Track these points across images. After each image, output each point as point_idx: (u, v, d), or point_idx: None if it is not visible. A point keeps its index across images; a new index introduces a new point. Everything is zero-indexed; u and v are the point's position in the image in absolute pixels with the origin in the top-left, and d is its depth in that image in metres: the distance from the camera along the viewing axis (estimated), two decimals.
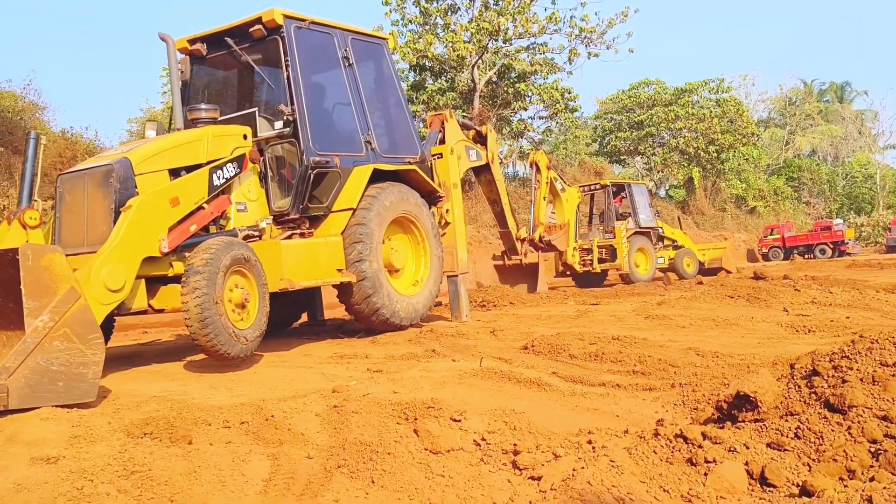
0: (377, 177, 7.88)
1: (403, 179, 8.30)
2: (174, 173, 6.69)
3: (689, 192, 48.77)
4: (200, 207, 6.80)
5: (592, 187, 21.34)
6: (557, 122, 37.74)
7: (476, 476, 3.24)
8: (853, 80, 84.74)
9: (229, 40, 7.64)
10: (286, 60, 7.44)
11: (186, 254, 6.44)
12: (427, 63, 28.21)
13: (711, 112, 44.68)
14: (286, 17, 7.51)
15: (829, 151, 69.08)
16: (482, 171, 11.19)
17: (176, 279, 6.34)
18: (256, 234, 7.17)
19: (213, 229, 7.01)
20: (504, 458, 3.36)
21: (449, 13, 27.78)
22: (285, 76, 7.46)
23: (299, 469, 3.54)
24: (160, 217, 6.32)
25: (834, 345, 5.64)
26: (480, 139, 10.83)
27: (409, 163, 8.51)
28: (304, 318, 9.92)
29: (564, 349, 5.97)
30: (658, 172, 50.83)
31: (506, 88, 29.72)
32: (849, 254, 39.25)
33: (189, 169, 6.80)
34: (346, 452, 3.62)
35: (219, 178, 6.97)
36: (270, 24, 7.45)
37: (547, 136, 38.35)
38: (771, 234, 43.18)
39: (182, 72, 7.88)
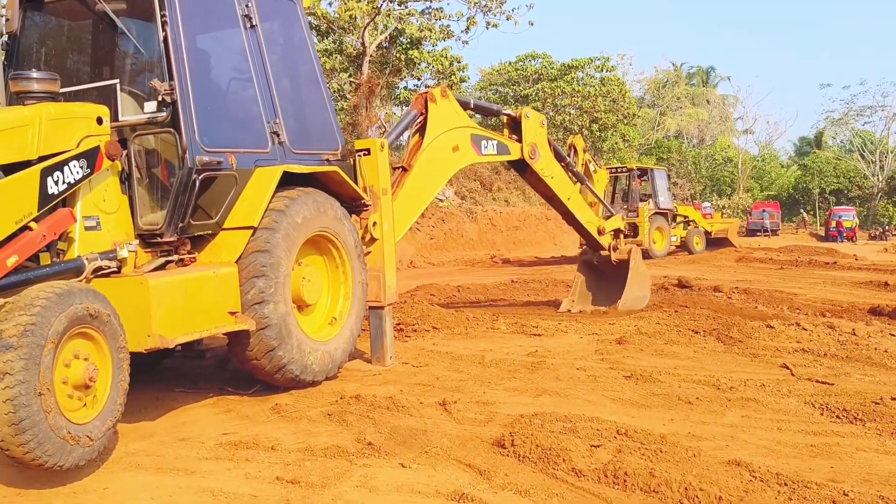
0: (285, 180, 5.85)
1: (319, 183, 6.30)
2: None
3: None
4: (25, 228, 4.57)
5: (619, 170, 24.27)
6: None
7: None
8: (718, 66, 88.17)
9: None
10: (163, 15, 5.23)
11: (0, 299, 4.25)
12: (313, 21, 25.58)
13: (596, 90, 44.30)
14: None
15: (695, 134, 71.48)
16: (522, 168, 8.96)
17: None
18: (114, 265, 4.99)
19: (45, 258, 4.78)
20: None
21: None
22: (161, 38, 5.24)
23: None
24: None
25: None
26: (514, 126, 8.75)
27: (328, 161, 6.50)
28: None
29: (561, 455, 4.27)
30: None
31: (398, 55, 27.57)
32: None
33: (8, 169, 4.54)
34: None
35: (57, 182, 4.74)
36: None
37: None
38: None
39: (7, 20, 5.48)
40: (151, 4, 5.28)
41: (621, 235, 10.47)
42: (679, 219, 25.59)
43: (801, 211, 58.89)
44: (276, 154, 5.97)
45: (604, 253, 10.31)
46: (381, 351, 6.94)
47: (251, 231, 5.52)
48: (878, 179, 60.01)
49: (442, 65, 29.06)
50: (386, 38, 26.86)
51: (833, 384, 5.77)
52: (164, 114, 5.21)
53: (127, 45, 5.63)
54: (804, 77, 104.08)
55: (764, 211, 51.15)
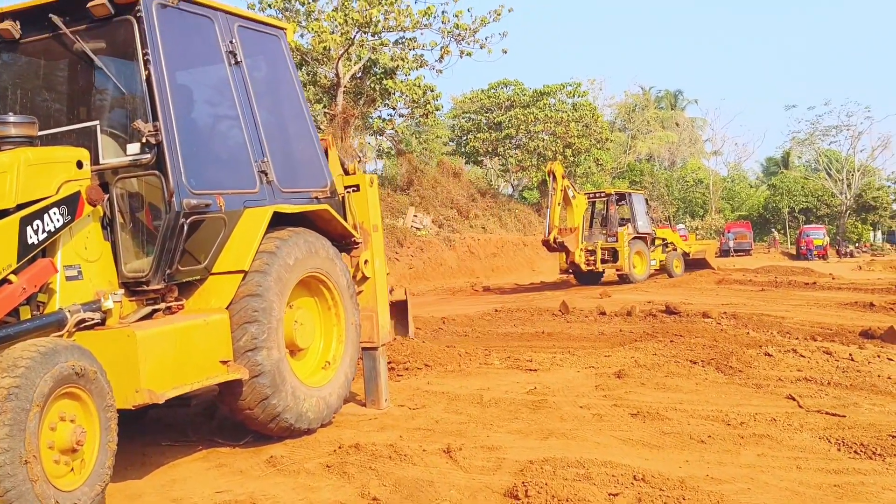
0: (274, 220, 5.63)
1: (309, 221, 6.09)
2: None
3: (542, 194, 48.60)
4: (4, 281, 4.30)
5: (597, 195, 24.60)
6: (415, 120, 35.97)
7: None
8: (685, 89, 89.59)
9: (56, 18, 5.10)
10: (145, 53, 5.02)
11: None
12: None
13: (569, 116, 44.60)
14: None
15: (666, 157, 72.31)
16: None
17: None
18: (97, 317, 4.72)
19: (24, 312, 4.50)
20: None
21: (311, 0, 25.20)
22: (143, 76, 5.03)
23: None
24: None
25: None
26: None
27: (317, 198, 6.30)
28: None
29: None
30: (513, 174, 50.42)
31: (372, 85, 27.54)
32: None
33: None
34: None
35: (36, 231, 4.48)
36: None
37: (416, 135, 36.59)
38: None
39: None
40: (133, 42, 5.07)
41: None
42: (658, 242, 25.62)
43: (772, 230, 59.50)
44: (265, 194, 5.76)
45: None
46: (375, 393, 6.69)
47: (242, 275, 5.28)
48: (846, 198, 60.94)
49: (415, 94, 29.05)
50: (360, 68, 26.83)
51: (844, 416, 5.63)
52: (148, 156, 4.98)
53: (106, 85, 5.40)
54: (770, 99, 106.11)
55: (728, 232, 51.72)
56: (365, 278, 6.69)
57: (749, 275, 25.41)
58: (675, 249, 26.35)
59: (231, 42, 5.76)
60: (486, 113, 45.94)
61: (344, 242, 6.51)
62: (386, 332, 6.81)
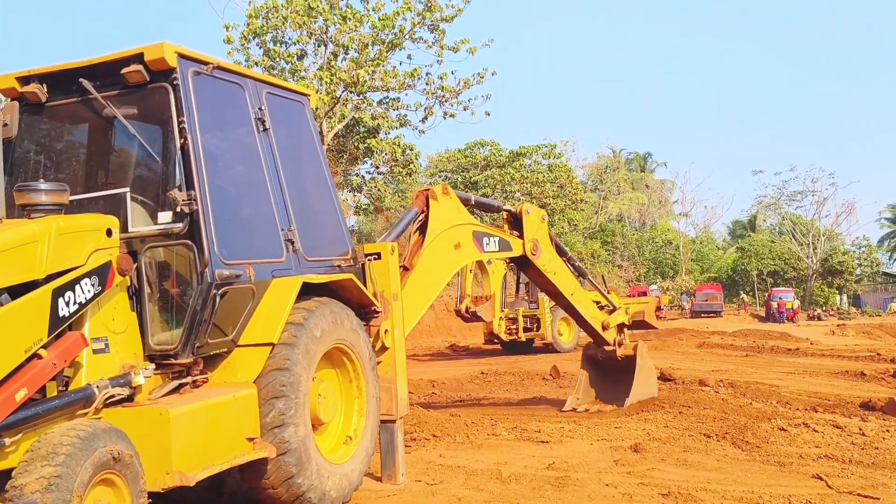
0: (301, 290, 5.48)
1: (331, 290, 5.95)
2: None
3: None
4: (35, 356, 4.09)
5: None
6: (395, 178, 36.12)
7: None
8: (654, 152, 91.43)
9: (87, 83, 5.00)
10: (181, 121, 4.92)
11: (7, 439, 3.78)
12: None
13: (544, 177, 45.22)
14: (181, 56, 5.03)
15: (637, 217, 73.37)
16: (524, 263, 8.80)
17: None
18: (125, 392, 4.51)
19: (51, 388, 4.28)
20: None
21: (296, 59, 25.38)
22: (178, 144, 4.92)
23: None
24: None
25: None
26: (514, 222, 8.53)
27: (339, 267, 6.18)
28: None
29: None
30: None
31: (356, 144, 27.65)
32: (661, 318, 40.22)
33: (15, 291, 4.09)
34: None
35: (68, 303, 4.30)
36: (158, 66, 4.91)
37: (398, 193, 36.68)
38: None
39: (6, 125, 5.08)
40: (167, 109, 4.98)
41: (625, 330, 10.19)
42: None
43: (740, 293, 60.05)
44: (291, 263, 5.63)
45: (608, 348, 10.02)
46: (392, 468, 6.47)
47: (270, 348, 5.11)
48: (812, 261, 61.99)
49: (396, 152, 29.19)
50: (343, 126, 26.94)
51: (878, 499, 5.55)
52: (180, 225, 4.85)
53: (136, 151, 5.27)
54: (738, 163, 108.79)
55: (682, 294, 52.00)
56: (384, 348, 6.53)
57: (728, 338, 25.55)
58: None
59: (260, 109, 5.70)
60: (463, 172, 46.37)
61: (364, 311, 6.37)
62: (405, 404, 6.63)
